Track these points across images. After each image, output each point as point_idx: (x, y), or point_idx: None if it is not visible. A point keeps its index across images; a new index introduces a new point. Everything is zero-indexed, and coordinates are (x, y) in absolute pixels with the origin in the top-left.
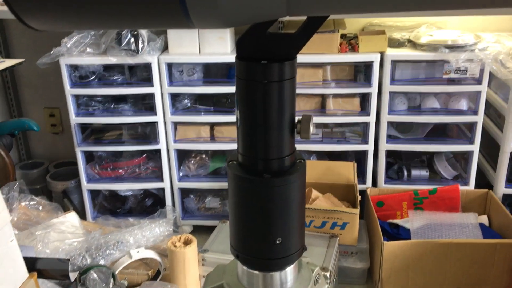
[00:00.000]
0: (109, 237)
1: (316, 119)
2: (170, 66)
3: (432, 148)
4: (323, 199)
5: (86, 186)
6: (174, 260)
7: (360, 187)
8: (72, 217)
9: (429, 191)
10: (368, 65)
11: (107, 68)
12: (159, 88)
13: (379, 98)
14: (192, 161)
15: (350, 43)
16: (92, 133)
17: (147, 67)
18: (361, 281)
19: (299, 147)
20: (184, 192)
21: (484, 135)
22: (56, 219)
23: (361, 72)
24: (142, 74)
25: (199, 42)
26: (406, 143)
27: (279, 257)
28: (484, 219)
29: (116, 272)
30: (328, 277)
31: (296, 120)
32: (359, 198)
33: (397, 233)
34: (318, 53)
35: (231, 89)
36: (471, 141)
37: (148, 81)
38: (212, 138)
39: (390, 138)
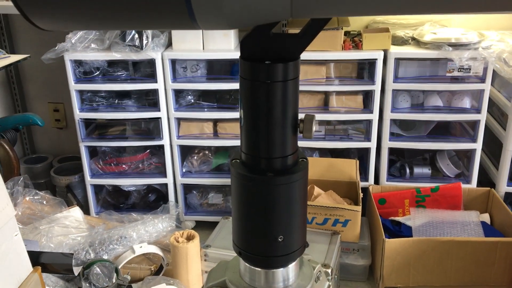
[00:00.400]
0: (113, 232)
1: (319, 116)
2: (173, 62)
3: (434, 146)
4: (325, 196)
5: (89, 181)
6: (176, 255)
7: (362, 184)
8: (75, 211)
9: (431, 189)
10: (371, 63)
11: (111, 64)
12: (163, 84)
13: (382, 96)
14: (195, 157)
15: (354, 40)
16: (96, 129)
17: (151, 63)
18: (363, 278)
19: (301, 144)
20: (187, 188)
21: (487, 134)
22: (60, 214)
23: (365, 69)
24: (146, 70)
25: (202, 38)
26: (408, 141)
27: (281, 254)
28: (486, 217)
29: (119, 267)
30: (330, 273)
31: (299, 119)
32: (361, 195)
33: (399, 230)
34: (322, 50)
35: (234, 85)
36: (473, 139)
37: (152, 77)
38: (215, 134)
39: (393, 136)
